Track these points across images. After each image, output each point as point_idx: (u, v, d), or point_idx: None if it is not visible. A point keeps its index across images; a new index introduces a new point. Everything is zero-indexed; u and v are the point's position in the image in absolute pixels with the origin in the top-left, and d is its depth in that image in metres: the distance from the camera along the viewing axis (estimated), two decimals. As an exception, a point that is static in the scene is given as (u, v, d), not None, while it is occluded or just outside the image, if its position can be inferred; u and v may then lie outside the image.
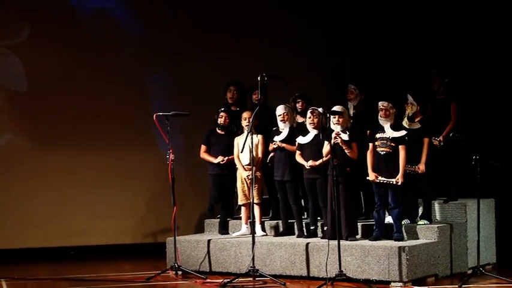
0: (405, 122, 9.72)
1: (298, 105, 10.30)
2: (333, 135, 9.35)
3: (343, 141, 9.37)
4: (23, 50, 12.02)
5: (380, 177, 9.36)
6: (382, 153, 9.40)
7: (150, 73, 12.35)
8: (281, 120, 9.92)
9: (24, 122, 12.00)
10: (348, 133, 9.45)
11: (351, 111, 10.19)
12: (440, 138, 9.90)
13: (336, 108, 9.49)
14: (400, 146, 9.35)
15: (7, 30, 12.01)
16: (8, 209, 11.76)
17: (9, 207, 11.77)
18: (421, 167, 9.53)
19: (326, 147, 9.48)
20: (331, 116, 9.44)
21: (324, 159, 9.50)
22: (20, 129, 12.01)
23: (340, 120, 9.42)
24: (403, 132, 9.44)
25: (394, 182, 9.30)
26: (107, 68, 12.15)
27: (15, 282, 9.85)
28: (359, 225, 9.76)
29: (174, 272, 9.86)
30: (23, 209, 11.80)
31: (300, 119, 10.20)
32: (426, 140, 9.60)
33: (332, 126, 9.47)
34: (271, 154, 10.02)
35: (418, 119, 9.72)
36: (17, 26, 12.01)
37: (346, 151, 9.36)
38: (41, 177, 11.89)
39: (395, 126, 9.46)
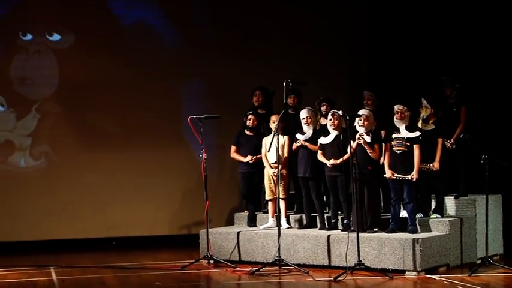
0: (420, 124, 9.72)
1: (323, 108, 10.27)
2: (357, 136, 9.38)
3: (365, 142, 9.39)
4: (67, 56, 12.01)
5: (396, 174, 9.38)
6: (398, 152, 9.42)
7: (184, 79, 12.31)
8: (305, 123, 9.95)
9: (74, 127, 12.05)
10: (370, 135, 9.47)
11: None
12: (452, 140, 9.91)
13: (361, 111, 9.50)
14: (414, 145, 9.37)
15: (53, 38, 12.00)
16: (60, 205, 11.80)
17: (60, 203, 11.80)
18: (436, 165, 9.55)
19: (351, 146, 9.41)
20: (357, 118, 9.43)
21: (344, 157, 9.51)
22: (70, 134, 12.03)
23: (365, 123, 9.42)
24: (417, 133, 9.45)
25: (410, 178, 9.32)
26: (144, 75, 12.13)
27: (63, 269, 9.91)
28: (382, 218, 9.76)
29: (206, 261, 9.95)
30: (72, 204, 11.84)
31: (323, 121, 10.17)
32: (440, 140, 9.62)
33: (357, 128, 9.47)
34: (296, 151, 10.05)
35: (432, 121, 9.73)
36: (63, 34, 12.03)
37: (368, 151, 9.37)
38: (88, 176, 11.92)
39: (410, 128, 9.47)
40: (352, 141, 9.39)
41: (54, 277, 9.44)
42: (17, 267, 10.11)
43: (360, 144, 9.36)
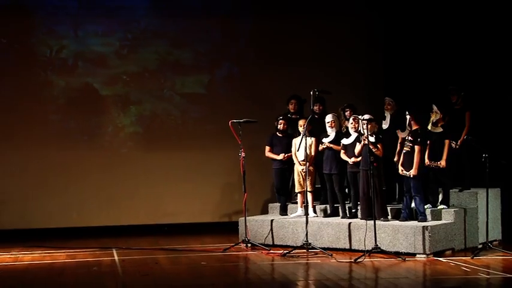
0: (430, 127, 9.72)
1: (347, 113, 10.20)
2: (362, 138, 9.44)
3: (370, 142, 9.37)
4: (125, 60, 12.09)
5: (404, 171, 9.42)
6: (404, 151, 9.46)
7: (228, 90, 12.32)
8: (329, 126, 10.01)
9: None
10: (374, 136, 9.47)
11: (388, 119, 10.18)
12: (458, 143, 9.92)
13: (365, 116, 9.46)
14: (415, 146, 9.35)
15: (112, 42, 12.06)
16: (121, 195, 11.87)
17: (121, 194, 11.87)
18: (443, 162, 9.56)
19: (357, 148, 9.57)
20: (361, 122, 9.46)
21: (358, 155, 9.58)
22: (131, 136, 12.13)
23: (369, 126, 9.41)
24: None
25: (408, 174, 9.37)
26: (192, 82, 12.19)
27: (123, 251, 10.00)
28: (391, 209, 9.74)
29: (244, 245, 10.05)
30: (132, 195, 11.90)
31: (347, 124, 10.10)
32: (447, 142, 9.63)
33: (362, 130, 9.49)
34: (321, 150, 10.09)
35: (440, 124, 9.72)
36: (120, 39, 12.11)
37: (373, 150, 9.37)
38: (146, 172, 11.96)
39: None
40: (358, 143, 9.47)
41: (116, 257, 9.53)
42: (84, 249, 10.22)
43: (366, 144, 9.37)
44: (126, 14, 12.05)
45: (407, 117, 9.49)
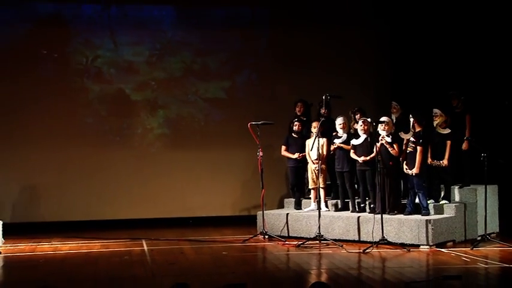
0: (438, 129, 9.69)
1: (357, 116, 10.22)
2: (380, 138, 9.43)
3: (387, 142, 9.43)
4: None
5: (408, 170, 9.40)
6: (407, 151, 9.45)
7: (247, 95, 12.31)
8: (340, 128, 10.02)
9: (151, 134, 12.09)
10: (391, 136, 9.50)
11: (394, 121, 10.13)
12: (464, 146, 9.88)
13: (383, 118, 9.53)
14: (417, 147, 9.32)
15: (142, 51, 12.09)
16: (150, 191, 11.86)
17: (150, 189, 11.87)
18: (445, 161, 9.54)
19: (375, 147, 9.49)
20: (379, 124, 9.45)
21: (372, 155, 9.52)
22: (158, 137, 12.13)
23: (386, 127, 9.47)
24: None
25: (410, 173, 9.35)
26: (214, 88, 12.18)
27: (152, 241, 10.03)
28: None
29: (262, 236, 10.05)
30: (159, 191, 11.90)
31: (356, 126, 10.12)
32: (449, 143, 9.61)
33: (380, 132, 9.47)
34: (333, 151, 10.09)
35: (444, 126, 9.70)
36: (149, 48, 12.12)
37: (389, 149, 9.40)
38: (172, 170, 11.95)
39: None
40: (376, 143, 9.47)
41: (145, 247, 9.59)
42: (116, 239, 10.26)
43: (383, 144, 9.41)
44: (155, 26, 12.08)
45: (411, 119, 9.48)
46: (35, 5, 11.75)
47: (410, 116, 9.50)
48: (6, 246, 9.75)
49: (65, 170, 11.72)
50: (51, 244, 10.03)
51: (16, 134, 11.55)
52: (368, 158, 9.63)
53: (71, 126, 11.77)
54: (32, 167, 11.61)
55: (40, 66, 11.80)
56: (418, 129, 9.43)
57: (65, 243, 10.04)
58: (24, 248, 9.77)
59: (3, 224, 9.85)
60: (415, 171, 9.29)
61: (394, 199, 9.56)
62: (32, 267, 8.34)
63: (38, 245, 9.98)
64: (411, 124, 9.49)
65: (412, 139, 9.41)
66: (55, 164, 11.69)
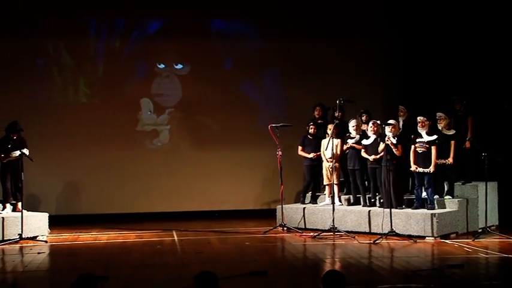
0: (444, 130, 9.65)
1: (364, 118, 10.26)
2: (386, 138, 9.40)
3: (392, 143, 9.39)
4: (186, 79, 12.12)
5: (419, 168, 9.36)
6: (420, 151, 9.39)
7: (265, 98, 12.28)
8: (354, 130, 9.98)
9: (190, 125, 12.13)
10: (396, 138, 9.46)
11: (401, 124, 10.13)
12: (467, 145, 9.86)
13: (390, 121, 9.52)
14: (432, 147, 9.32)
15: (177, 67, 12.14)
16: (180, 186, 11.89)
17: (180, 185, 11.89)
18: (450, 160, 9.49)
19: (381, 146, 9.54)
20: (386, 126, 9.43)
21: (381, 154, 9.51)
22: (187, 131, 12.13)
23: (393, 129, 9.44)
24: (434, 137, 9.40)
25: (428, 171, 9.31)
26: (237, 95, 12.15)
27: (181, 232, 10.08)
28: (405, 199, 9.68)
29: (281, 228, 10.05)
30: (188, 186, 11.90)
31: (363, 127, 10.15)
32: (453, 142, 9.56)
33: (386, 133, 9.45)
34: (346, 150, 10.07)
35: (447, 127, 9.66)
36: (184, 64, 12.13)
37: (393, 150, 9.37)
38: (200, 167, 11.95)
39: (429, 133, 9.41)
40: (382, 143, 9.44)
41: (175, 237, 9.63)
42: (149, 230, 10.34)
43: (388, 144, 9.36)
44: (178, 36, 12.05)
45: (419, 122, 9.42)
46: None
47: (419, 118, 9.43)
48: (52, 236, 9.86)
49: (103, 167, 11.79)
50: (91, 234, 10.12)
51: (60, 135, 11.64)
52: (378, 156, 9.59)
53: (108, 128, 11.83)
54: (74, 165, 11.69)
55: (95, 75, 11.96)
56: (428, 131, 9.41)
57: (104, 234, 10.13)
58: (67, 237, 9.87)
59: (49, 216, 9.94)
60: (432, 169, 9.25)
61: (400, 194, 9.51)
62: (74, 254, 8.42)
63: (80, 235, 10.07)
64: (418, 125, 9.44)
65: (426, 140, 9.35)
66: (94, 163, 11.76)
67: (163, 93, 12.12)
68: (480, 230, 9.37)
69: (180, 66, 12.16)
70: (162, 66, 12.10)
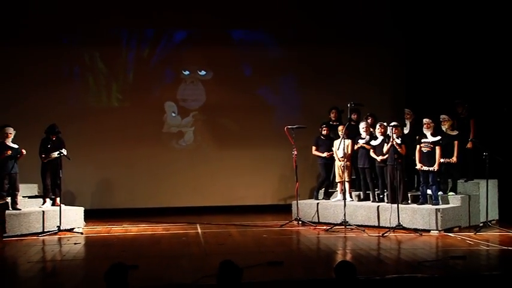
0: (448, 131, 9.60)
1: (369, 121, 10.19)
2: (390, 139, 9.36)
3: (396, 143, 9.35)
4: (209, 85, 12.13)
5: (424, 167, 9.32)
6: (425, 151, 9.34)
7: (282, 100, 12.27)
8: (364, 131, 9.96)
9: (213, 127, 12.12)
10: (400, 138, 9.41)
11: (408, 125, 10.07)
12: (469, 145, 9.77)
13: (393, 123, 9.47)
14: (436, 147, 9.27)
15: (201, 73, 12.15)
16: (203, 183, 11.91)
17: (203, 182, 11.91)
18: (454, 159, 9.44)
19: (385, 147, 9.51)
20: (390, 128, 9.41)
21: (386, 154, 9.48)
22: (210, 132, 12.14)
23: (396, 131, 9.39)
24: (438, 138, 9.34)
25: (432, 169, 9.26)
26: (256, 99, 12.16)
27: (205, 225, 10.09)
28: (411, 195, 9.63)
29: (296, 222, 10.04)
30: (211, 183, 11.92)
31: (370, 129, 10.08)
32: (456, 143, 9.51)
33: (390, 134, 9.42)
34: (357, 150, 10.03)
35: (451, 129, 9.60)
36: (207, 71, 12.15)
37: (398, 149, 9.33)
38: (222, 166, 11.98)
39: (433, 134, 9.35)
40: (386, 144, 9.41)
41: (199, 230, 9.64)
42: (175, 223, 10.36)
43: (393, 144, 9.32)
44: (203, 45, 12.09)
45: (424, 124, 9.36)
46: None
47: (424, 120, 9.37)
48: (87, 228, 9.94)
49: (133, 166, 11.86)
50: (123, 227, 10.17)
51: (95, 136, 11.72)
52: (385, 156, 9.55)
53: (138, 130, 11.88)
54: (107, 164, 11.77)
55: (130, 82, 12.04)
56: (432, 132, 9.36)
57: (134, 226, 10.17)
58: (101, 229, 9.92)
59: (84, 210, 10.02)
60: (436, 167, 9.20)
61: (404, 191, 9.45)
62: (107, 245, 8.47)
63: (112, 227, 10.12)
64: (423, 127, 9.38)
65: (430, 140, 9.30)
66: (125, 161, 11.83)
67: (187, 98, 12.14)
68: (481, 224, 9.30)
69: (203, 72, 12.16)
70: (186, 72, 12.12)
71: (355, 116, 10.38)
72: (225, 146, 12.12)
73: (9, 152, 9.30)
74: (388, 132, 9.43)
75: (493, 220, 9.83)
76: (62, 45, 11.70)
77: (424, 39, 11.85)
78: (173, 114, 12.11)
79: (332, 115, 10.82)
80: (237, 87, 12.14)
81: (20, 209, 9.41)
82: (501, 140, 10.44)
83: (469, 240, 8.36)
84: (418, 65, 11.99)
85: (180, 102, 12.13)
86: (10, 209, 9.25)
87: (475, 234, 8.81)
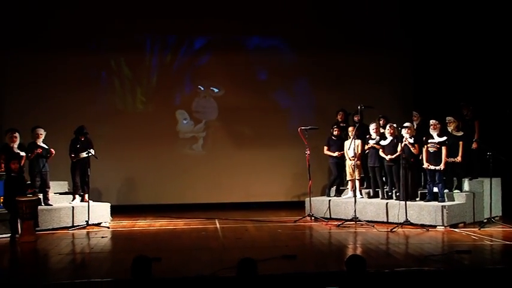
0: (454, 132, 9.54)
1: (381, 122, 10.17)
2: (404, 139, 9.33)
3: (410, 143, 9.32)
4: (221, 100, 12.17)
5: (430, 166, 9.27)
6: (431, 151, 9.29)
7: (296, 102, 12.26)
8: (374, 132, 9.91)
9: (226, 133, 12.17)
10: (412, 138, 9.37)
11: (415, 127, 10.02)
12: (474, 146, 9.71)
13: (406, 124, 9.45)
14: (442, 147, 9.22)
15: (214, 89, 12.21)
16: (221, 181, 11.94)
17: (222, 179, 11.95)
18: (459, 158, 9.37)
19: (399, 147, 9.43)
20: (403, 129, 9.36)
21: (397, 154, 9.44)
22: (223, 137, 12.16)
23: (409, 131, 9.36)
24: (444, 138, 9.29)
25: (438, 168, 9.20)
26: (270, 107, 12.12)
27: (223, 220, 10.11)
28: (420, 192, 9.61)
29: (309, 217, 10.01)
30: (229, 180, 11.96)
31: (381, 130, 10.05)
32: (461, 143, 9.44)
33: (404, 134, 9.37)
34: (367, 150, 10.00)
35: (456, 130, 9.53)
36: (219, 88, 12.17)
37: (411, 149, 9.29)
38: (239, 164, 12.02)
39: (440, 135, 9.30)
40: (400, 143, 9.36)
41: (218, 225, 9.65)
42: (196, 219, 10.38)
43: (406, 144, 9.28)
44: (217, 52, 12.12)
45: (431, 125, 9.30)
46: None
47: (431, 122, 9.32)
48: (113, 223, 10.00)
49: (156, 164, 11.91)
50: (146, 221, 10.20)
51: (121, 137, 11.81)
52: (394, 156, 9.51)
53: (160, 131, 11.95)
54: (132, 163, 11.84)
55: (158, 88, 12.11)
56: (439, 133, 9.31)
57: (156, 221, 10.20)
58: (126, 224, 9.98)
59: (110, 206, 10.09)
60: (442, 167, 9.15)
61: (414, 188, 9.41)
62: (132, 239, 8.51)
63: (136, 222, 10.17)
64: (430, 128, 9.34)
65: (437, 140, 9.25)
66: (149, 160, 11.89)
67: (201, 110, 12.15)
68: (485, 220, 9.27)
69: (216, 89, 12.19)
70: (202, 88, 12.14)
71: (358, 118, 10.28)
72: (242, 146, 12.14)
73: (40, 151, 9.40)
74: (402, 132, 9.37)
75: (497, 216, 9.76)
76: (90, 52, 11.81)
77: (431, 44, 11.80)
78: (184, 122, 12.08)
79: (339, 117, 10.81)
80: (254, 90, 12.15)
81: (51, 205, 9.52)
82: (504, 140, 10.36)
83: (474, 236, 8.30)
84: (425, 68, 11.94)
85: (195, 112, 12.13)
86: (42, 204, 9.34)
87: (479, 229, 8.75)
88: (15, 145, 9.25)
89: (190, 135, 12.18)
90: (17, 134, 9.26)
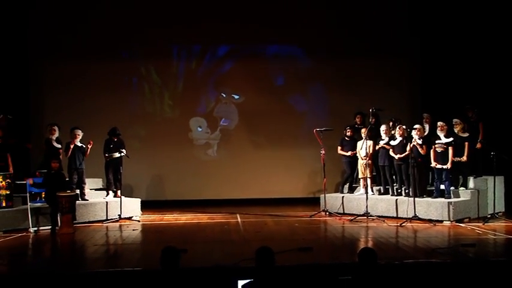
0: (459, 133, 9.44)
1: (390, 124, 10.09)
2: (413, 140, 9.26)
3: (418, 143, 9.25)
4: (241, 106, 12.13)
5: (438, 165, 9.20)
6: (439, 151, 9.23)
7: (312, 105, 12.22)
8: (384, 133, 9.84)
9: (243, 137, 12.11)
10: (421, 139, 9.31)
11: (427, 128, 9.94)
12: (478, 146, 9.61)
13: (416, 126, 9.38)
14: (449, 147, 9.14)
15: (235, 96, 12.19)
16: (242, 178, 11.96)
17: (243, 177, 11.95)
18: (465, 158, 9.28)
19: (408, 147, 9.36)
20: (413, 130, 9.29)
21: (405, 153, 9.37)
22: (241, 142, 12.15)
23: (418, 132, 9.28)
24: (450, 139, 9.20)
25: (445, 167, 9.13)
26: (288, 109, 12.10)
27: (243, 215, 10.09)
28: (428, 190, 9.50)
29: (324, 213, 9.99)
30: (249, 177, 11.94)
31: (391, 131, 9.98)
32: (467, 144, 9.34)
33: (413, 135, 9.30)
34: (378, 150, 9.94)
35: (462, 131, 9.44)
36: (239, 95, 12.16)
37: (419, 149, 9.23)
38: (259, 162, 11.99)
39: (446, 136, 9.22)
40: (409, 144, 9.30)
41: (239, 219, 9.65)
42: (219, 213, 10.39)
43: (415, 144, 9.22)
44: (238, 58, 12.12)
45: (438, 126, 9.24)
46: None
47: (438, 123, 9.26)
48: (143, 217, 10.06)
49: (183, 163, 11.96)
50: (173, 216, 10.24)
51: (150, 138, 11.91)
52: (403, 155, 9.45)
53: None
54: (160, 161, 11.91)
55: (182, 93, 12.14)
56: (446, 134, 9.24)
57: (183, 215, 10.23)
58: (154, 218, 10.03)
59: (140, 201, 10.17)
60: (449, 165, 9.08)
61: (422, 186, 9.35)
62: (160, 231, 8.56)
63: (164, 216, 10.20)
64: (438, 129, 9.26)
65: (444, 141, 9.18)
66: (176, 159, 11.94)
67: (222, 115, 12.15)
68: (489, 216, 9.14)
69: (236, 96, 12.14)
70: (223, 95, 12.12)
71: (373, 120, 10.25)
72: (262, 146, 12.13)
73: (77, 142, 9.48)
74: (412, 133, 9.30)
75: (500, 212, 9.62)
76: (122, 60, 11.94)
77: (438, 50, 11.71)
78: (199, 129, 12.03)
79: (358, 119, 10.76)
80: (272, 95, 12.13)
81: (87, 200, 9.64)
82: (507, 140, 10.22)
83: (478, 230, 8.22)
84: (432, 73, 11.83)
85: (216, 117, 12.13)
86: (79, 199, 9.47)
87: (483, 224, 8.66)
88: (54, 137, 9.49)
89: (213, 138, 12.19)
90: (55, 127, 9.50)
